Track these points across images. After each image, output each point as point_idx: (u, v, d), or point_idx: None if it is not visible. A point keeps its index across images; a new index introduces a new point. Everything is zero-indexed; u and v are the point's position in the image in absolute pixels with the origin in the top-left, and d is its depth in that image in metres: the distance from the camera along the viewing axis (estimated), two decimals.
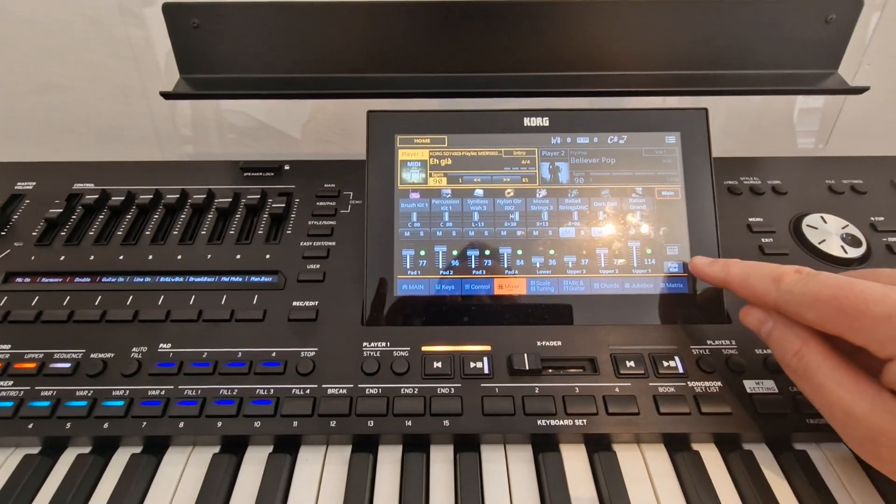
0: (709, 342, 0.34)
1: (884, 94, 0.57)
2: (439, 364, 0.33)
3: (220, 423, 0.31)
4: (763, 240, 0.40)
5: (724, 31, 0.42)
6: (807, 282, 0.27)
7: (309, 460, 0.31)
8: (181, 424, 0.31)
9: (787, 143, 0.63)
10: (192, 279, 0.38)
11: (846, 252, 0.39)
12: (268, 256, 0.39)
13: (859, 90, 0.41)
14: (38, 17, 0.55)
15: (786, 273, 0.29)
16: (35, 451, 0.32)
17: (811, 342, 0.28)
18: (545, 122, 0.38)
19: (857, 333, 0.25)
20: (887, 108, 0.58)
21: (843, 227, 0.40)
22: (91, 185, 0.44)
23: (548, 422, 0.31)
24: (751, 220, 0.41)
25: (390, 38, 0.42)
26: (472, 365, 0.33)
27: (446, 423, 0.31)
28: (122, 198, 0.42)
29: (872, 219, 0.41)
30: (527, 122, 0.38)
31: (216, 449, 0.32)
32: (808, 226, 0.40)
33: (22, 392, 0.32)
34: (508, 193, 0.37)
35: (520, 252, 0.37)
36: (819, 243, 0.39)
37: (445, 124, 0.38)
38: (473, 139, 0.38)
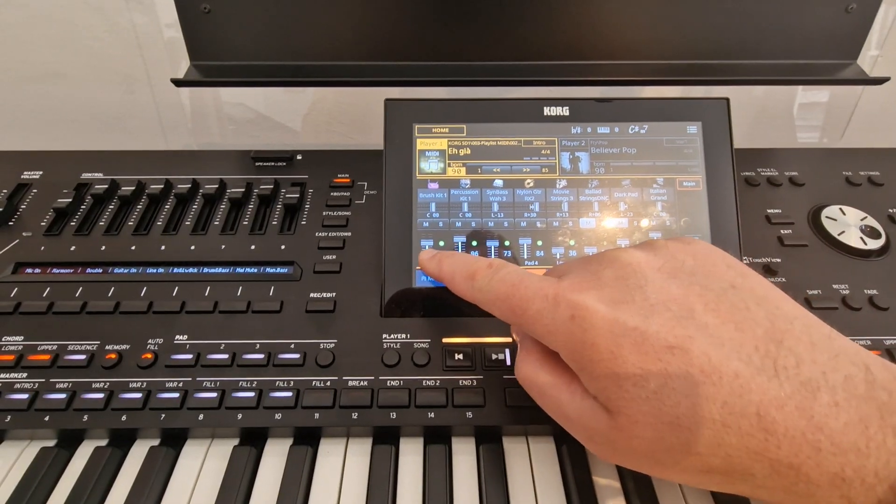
0: None
1: None
2: (461, 356, 0.33)
3: (240, 416, 0.31)
4: (782, 231, 0.40)
5: (743, 20, 0.42)
6: (490, 279, 0.27)
7: (330, 452, 0.31)
8: (200, 416, 0.31)
9: (784, 137, 0.63)
10: (206, 270, 0.38)
11: (865, 244, 0.39)
12: (283, 247, 0.39)
13: (879, 80, 0.41)
14: (41, 4, 0.54)
15: (479, 269, 0.28)
16: (51, 443, 0.31)
17: (531, 351, 0.27)
18: (565, 111, 0.38)
19: (527, 330, 0.25)
20: None
21: (862, 219, 0.40)
22: (100, 175, 0.43)
23: None
24: (769, 211, 0.41)
25: (405, 25, 0.41)
26: (494, 356, 0.33)
27: (469, 414, 0.31)
28: (132, 188, 0.42)
29: (890, 210, 0.41)
30: (546, 111, 0.38)
31: (235, 441, 0.31)
32: (826, 217, 0.40)
33: (37, 384, 0.32)
34: (528, 184, 0.37)
35: (540, 243, 0.36)
36: (839, 235, 0.39)
37: (464, 113, 0.38)
38: (492, 128, 0.38)
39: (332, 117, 0.64)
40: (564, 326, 0.24)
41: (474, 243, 0.36)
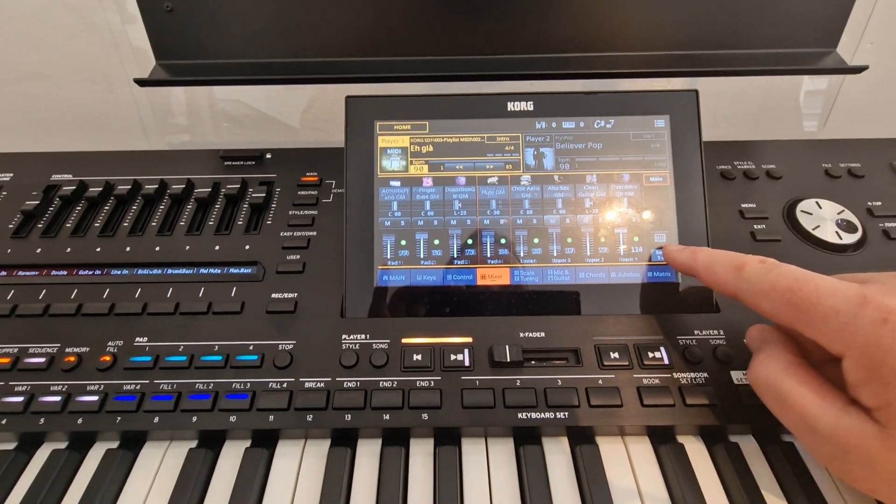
0: (696, 332, 0.33)
1: (884, 73, 0.56)
2: (419, 356, 0.32)
3: (195, 418, 0.31)
4: (755, 226, 0.39)
5: (719, 8, 0.40)
6: (766, 271, 0.27)
7: (286, 454, 0.31)
8: (156, 419, 0.31)
9: (790, 127, 0.61)
10: (169, 271, 0.38)
11: (841, 238, 0.38)
12: (247, 247, 0.38)
13: (858, 69, 0.40)
14: (15, 3, 0.54)
15: (749, 262, 0.28)
16: (10, 447, 0.31)
17: (775, 354, 0.27)
18: (529, 106, 0.37)
19: (806, 326, 0.25)
20: (888, 88, 0.57)
21: (839, 213, 0.39)
22: (69, 176, 0.43)
23: (529, 415, 0.30)
24: (743, 205, 0.40)
25: (371, 20, 0.41)
26: (453, 357, 0.32)
27: (425, 416, 0.30)
28: (100, 189, 0.42)
29: (869, 203, 0.40)
30: (511, 106, 0.37)
31: (193, 443, 0.31)
32: (802, 211, 0.39)
33: None
34: (491, 181, 0.36)
35: (503, 241, 0.36)
36: (813, 229, 0.38)
37: (426, 109, 0.37)
38: (455, 125, 0.37)
39: (324, 115, 0.63)
40: (870, 329, 0.23)
41: (436, 242, 0.36)
